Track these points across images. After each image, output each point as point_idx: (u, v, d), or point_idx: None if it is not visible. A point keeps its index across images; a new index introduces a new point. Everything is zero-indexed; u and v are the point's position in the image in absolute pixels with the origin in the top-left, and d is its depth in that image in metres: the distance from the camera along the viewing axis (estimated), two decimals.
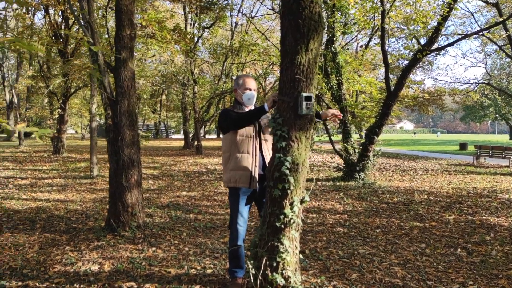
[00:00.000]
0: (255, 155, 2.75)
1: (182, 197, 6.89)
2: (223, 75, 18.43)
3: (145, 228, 4.43)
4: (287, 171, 2.28)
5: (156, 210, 5.69)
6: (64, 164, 12.06)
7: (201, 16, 15.26)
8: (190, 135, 21.70)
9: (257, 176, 2.74)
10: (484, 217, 5.45)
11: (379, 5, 7.20)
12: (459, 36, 9.95)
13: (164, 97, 33.97)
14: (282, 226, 2.36)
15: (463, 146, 23.09)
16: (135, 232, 4.27)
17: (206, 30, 16.96)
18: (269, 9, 10.81)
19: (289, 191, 2.31)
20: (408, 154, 19.10)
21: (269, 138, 2.81)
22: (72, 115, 28.40)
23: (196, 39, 17.18)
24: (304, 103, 2.25)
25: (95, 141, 9.37)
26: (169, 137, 41.74)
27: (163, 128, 42.48)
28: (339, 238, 4.46)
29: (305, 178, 2.41)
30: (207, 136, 42.98)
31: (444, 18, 6.64)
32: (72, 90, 15.38)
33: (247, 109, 2.87)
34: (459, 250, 4.06)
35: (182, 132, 31.15)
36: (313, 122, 2.37)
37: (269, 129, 2.50)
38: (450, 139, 42.47)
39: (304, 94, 2.25)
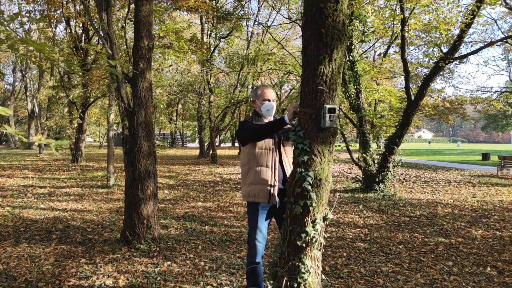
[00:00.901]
0: (275, 169, 2.65)
1: (197, 207, 6.81)
2: (238, 84, 18.47)
3: (161, 241, 4.36)
4: (309, 187, 2.15)
5: (171, 221, 5.62)
6: (81, 173, 12.22)
7: (218, 26, 15.39)
8: (206, 144, 21.77)
9: (276, 190, 2.63)
10: None
11: (398, 12, 7.04)
12: (483, 44, 9.65)
13: (180, 106, 34.35)
14: (304, 245, 2.23)
15: (485, 156, 22.35)
16: (150, 245, 4.20)
17: (222, 39, 17.08)
18: (285, 18, 10.78)
19: (311, 208, 2.19)
20: (428, 164, 18.59)
21: (290, 150, 2.70)
22: (91, 124, 29.00)
23: (212, 49, 17.32)
24: (327, 115, 2.14)
25: (112, 150, 9.44)
26: (185, 145, 42.07)
27: (179, 136, 42.89)
28: (360, 254, 4.28)
29: (328, 194, 2.29)
30: (222, 145, 43.15)
31: (468, 26, 6.43)
32: (91, 100, 15.68)
33: (266, 121, 2.78)
34: (488, 269, 3.82)
35: (197, 140, 31.35)
36: (336, 134, 2.26)
37: (290, 142, 2.40)
38: (471, 149, 41.28)
39: (328, 106, 2.14)
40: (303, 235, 2.22)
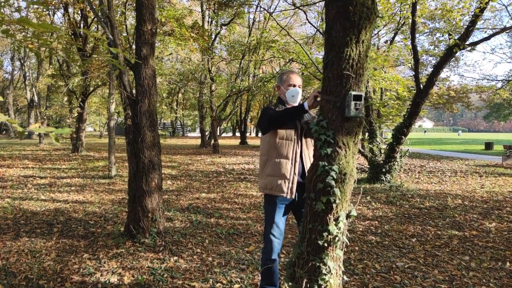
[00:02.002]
0: (295, 161, 2.47)
1: (201, 199, 6.66)
2: (240, 73, 18.16)
3: (166, 235, 4.21)
4: (333, 182, 1.97)
5: (176, 213, 5.46)
6: (82, 163, 12.05)
7: (219, 13, 15.02)
8: (207, 134, 21.55)
9: (295, 184, 2.46)
10: None
11: None
12: (492, 31, 9.37)
13: (180, 95, 34.02)
14: (325, 244, 2.06)
15: (488, 145, 22.18)
16: (155, 239, 4.04)
17: (223, 27, 16.72)
18: (289, 4, 10.45)
19: (334, 205, 2.01)
20: (431, 154, 18.42)
21: (311, 143, 2.52)
22: (91, 113, 28.74)
23: (213, 36, 16.96)
24: (352, 103, 1.94)
25: (113, 140, 9.25)
26: (185, 135, 41.86)
27: (179, 126, 42.63)
28: (372, 248, 4.13)
29: (352, 190, 2.11)
30: (223, 135, 42.94)
31: (482, 10, 6.17)
32: (91, 88, 15.41)
33: (288, 105, 2.62)
34: (508, 264, 3.67)
35: (198, 130, 31.07)
36: (362, 124, 2.06)
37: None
38: (473, 138, 41.09)
39: (353, 93, 1.94)
40: (325, 234, 2.04)
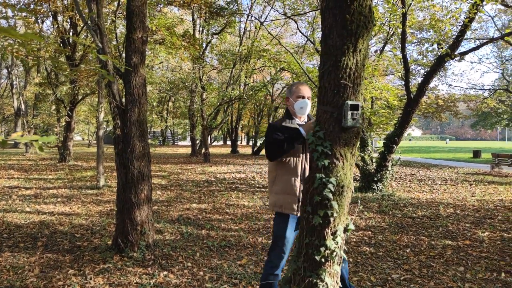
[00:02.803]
0: (303, 178, 2.42)
1: (192, 210, 6.53)
2: (231, 82, 18.15)
3: (155, 248, 4.07)
4: (330, 195, 1.90)
5: (165, 225, 5.32)
6: (70, 172, 11.79)
7: (210, 22, 15.04)
8: (197, 142, 21.40)
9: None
10: None
11: (399, 8, 6.83)
12: (479, 41, 9.55)
13: (171, 103, 33.82)
14: (323, 259, 1.98)
15: (476, 154, 22.47)
16: (144, 252, 3.90)
17: (214, 36, 16.73)
18: (280, 13, 10.51)
19: (331, 219, 1.94)
20: (420, 162, 18.58)
21: None
22: (79, 122, 28.33)
23: (204, 45, 16.95)
24: (349, 112, 1.89)
25: (102, 149, 9.07)
26: (176, 144, 41.54)
27: (170, 135, 42.31)
28: (367, 259, 4.06)
29: (349, 202, 2.04)
30: (214, 143, 42.74)
31: (470, 20, 6.26)
32: (80, 97, 15.19)
33: (298, 120, 2.57)
34: (503, 275, 3.63)
35: (189, 139, 30.87)
36: (360, 135, 2.01)
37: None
38: (460, 146, 41.68)
39: (350, 103, 1.89)
40: (322, 248, 1.97)
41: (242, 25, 18.96)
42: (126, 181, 3.92)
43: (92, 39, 3.94)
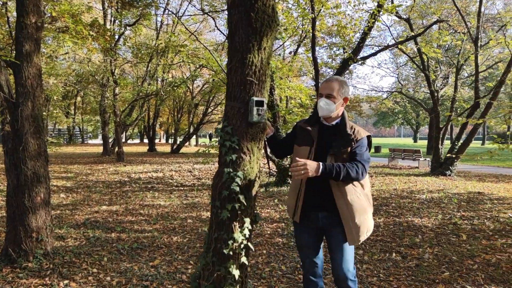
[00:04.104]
0: (309, 182, 2.21)
1: (101, 212, 6.08)
2: (147, 77, 17.35)
3: (55, 256, 3.69)
4: (238, 189, 1.94)
5: (69, 230, 4.86)
6: None
7: (123, 12, 14.14)
8: (110, 141, 20.01)
9: (300, 208, 2.29)
10: (409, 219, 5.75)
11: (309, 12, 7.28)
12: (378, 48, 10.65)
13: (79, 98, 31.01)
14: (231, 253, 2.01)
15: (377, 149, 25.19)
16: (41, 262, 3.51)
17: (128, 28, 15.78)
18: (198, 9, 10.38)
19: (239, 212, 1.98)
20: None
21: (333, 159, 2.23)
22: None
23: (117, 37, 15.87)
24: (255, 108, 1.95)
25: None
26: (85, 142, 38.24)
27: (78, 132, 38.77)
28: (279, 250, 4.25)
29: (257, 195, 2.10)
30: (129, 141, 40.42)
31: (370, 29, 6.96)
32: None
33: (326, 122, 2.27)
34: (394, 254, 4.13)
35: (100, 137, 28.69)
36: (265, 130, 2.08)
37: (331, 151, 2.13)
38: None
39: (255, 99, 1.95)
40: (230, 242, 2.00)
41: (159, 19, 18.25)
42: (18, 183, 3.47)
43: None
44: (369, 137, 2.24)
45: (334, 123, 2.24)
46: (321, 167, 1.99)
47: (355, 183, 2.15)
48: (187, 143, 27.07)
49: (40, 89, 3.58)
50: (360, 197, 2.16)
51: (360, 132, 2.19)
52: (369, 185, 2.28)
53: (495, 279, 3.38)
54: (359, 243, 2.18)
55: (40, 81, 3.59)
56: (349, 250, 2.23)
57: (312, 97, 10.43)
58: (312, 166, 1.97)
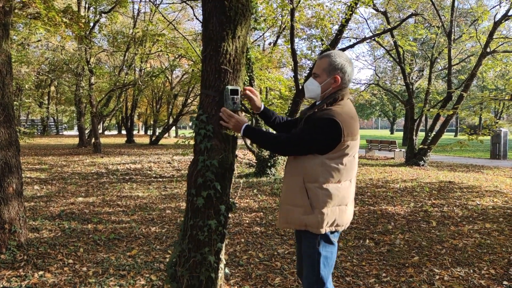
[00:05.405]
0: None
1: (77, 204, 5.98)
2: (124, 66, 16.96)
3: (29, 248, 3.63)
4: (213, 176, 1.97)
5: (44, 222, 4.77)
6: None
7: None
8: (86, 132, 19.53)
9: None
10: (383, 207, 5.94)
11: (289, 3, 7.29)
12: (356, 40, 10.79)
13: (53, 88, 29.98)
14: (206, 239, 2.04)
15: None
16: (15, 254, 3.44)
17: (103, 15, 15.33)
18: None
19: (215, 199, 2.01)
20: None
21: None
22: None
23: (92, 24, 15.40)
24: (230, 97, 1.97)
25: None
26: (60, 133, 37.13)
27: (53, 123, 37.57)
28: (257, 238, 4.32)
29: (232, 183, 2.14)
30: (106, 132, 39.55)
31: (347, 21, 7.05)
32: None
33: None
34: (367, 241, 4.28)
35: (76, 128, 27.95)
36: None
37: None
38: None
39: (230, 87, 1.97)
40: (206, 228, 2.03)
41: (136, 6, 17.82)
42: None
43: None
44: (333, 122, 1.77)
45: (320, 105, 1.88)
46: (243, 127, 1.87)
47: (310, 174, 1.77)
48: (166, 135, 26.75)
49: (10, 76, 3.47)
50: (301, 190, 1.79)
51: (324, 113, 1.80)
52: (336, 187, 1.80)
53: (461, 262, 3.57)
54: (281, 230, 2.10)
55: (9, 68, 3.48)
56: (309, 264, 1.85)
57: (292, 88, 10.51)
58: (234, 122, 1.88)
